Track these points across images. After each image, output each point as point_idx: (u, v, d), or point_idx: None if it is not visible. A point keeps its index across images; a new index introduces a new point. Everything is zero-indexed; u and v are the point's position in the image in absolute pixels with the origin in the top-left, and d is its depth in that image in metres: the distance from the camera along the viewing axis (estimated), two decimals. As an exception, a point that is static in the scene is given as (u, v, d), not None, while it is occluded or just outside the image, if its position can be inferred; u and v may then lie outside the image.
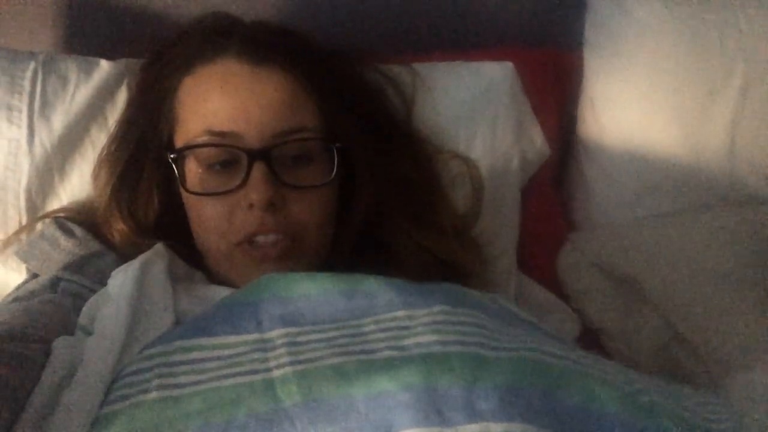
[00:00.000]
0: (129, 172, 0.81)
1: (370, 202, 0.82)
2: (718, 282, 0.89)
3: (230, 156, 0.73)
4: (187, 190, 0.75)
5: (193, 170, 0.75)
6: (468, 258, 0.85)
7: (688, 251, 0.93)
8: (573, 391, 0.54)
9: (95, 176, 0.86)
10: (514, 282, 0.96)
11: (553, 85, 1.08)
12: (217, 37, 0.78)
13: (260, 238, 0.73)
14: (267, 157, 0.72)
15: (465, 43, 1.10)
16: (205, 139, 0.74)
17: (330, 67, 0.82)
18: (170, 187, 0.79)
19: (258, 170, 0.72)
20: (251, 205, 0.72)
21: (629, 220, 1.02)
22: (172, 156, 0.76)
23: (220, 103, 0.74)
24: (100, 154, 0.86)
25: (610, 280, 0.97)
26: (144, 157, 0.80)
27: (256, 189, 0.71)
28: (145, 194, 0.80)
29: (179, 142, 0.77)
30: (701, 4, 1.00)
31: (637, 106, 1.00)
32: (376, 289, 0.63)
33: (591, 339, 0.95)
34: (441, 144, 0.93)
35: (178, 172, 0.76)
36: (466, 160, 0.93)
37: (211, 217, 0.74)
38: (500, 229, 0.96)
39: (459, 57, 1.00)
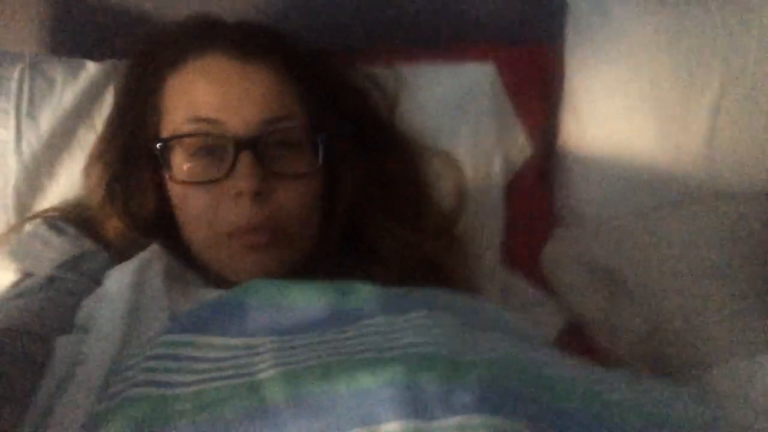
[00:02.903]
0: (121, 169, 0.81)
1: (352, 195, 0.82)
2: (699, 275, 0.90)
3: (215, 143, 0.74)
4: (173, 180, 0.76)
5: (179, 160, 0.76)
6: (451, 256, 0.86)
7: (670, 246, 0.95)
8: (543, 389, 0.55)
9: (86, 174, 0.86)
10: (499, 278, 0.97)
11: (537, 82, 1.08)
12: (204, 34, 0.79)
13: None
14: (254, 146, 0.72)
15: (447, 40, 1.11)
16: (190, 127, 0.74)
17: (313, 62, 0.84)
18: (164, 182, 0.79)
19: (246, 159, 0.72)
20: (238, 194, 0.72)
21: (612, 216, 1.03)
22: (157, 145, 0.76)
23: (205, 92, 0.75)
24: (90, 153, 0.86)
25: (594, 274, 0.98)
26: (135, 153, 0.81)
27: (245, 178, 0.72)
28: (139, 190, 0.80)
29: (165, 133, 0.77)
30: (679, 5, 1.02)
31: (617, 105, 1.01)
32: (360, 301, 0.64)
33: (575, 332, 0.97)
34: (424, 143, 0.94)
35: (163, 162, 0.76)
36: (449, 159, 0.94)
37: (197, 207, 0.75)
38: (484, 227, 0.96)
39: (441, 54, 1.01)
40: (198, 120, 0.74)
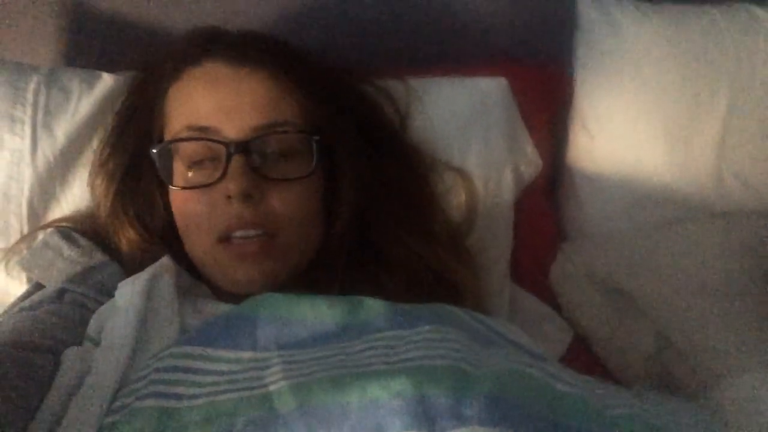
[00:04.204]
0: (129, 178, 0.82)
1: (355, 201, 0.82)
2: (706, 292, 0.90)
3: (211, 151, 0.74)
4: (170, 185, 0.76)
5: (178, 168, 0.76)
6: (460, 269, 0.86)
7: (678, 262, 0.95)
8: (549, 404, 0.55)
9: (91, 185, 0.86)
10: (507, 292, 0.97)
11: (546, 100, 1.10)
12: (203, 43, 0.80)
13: (239, 234, 0.73)
14: (245, 150, 0.73)
15: (459, 58, 1.12)
16: (185, 134, 0.75)
17: (315, 70, 0.84)
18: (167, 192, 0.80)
19: (236, 162, 0.72)
20: (229, 197, 0.72)
21: (620, 231, 1.03)
22: (153, 151, 0.77)
23: (201, 100, 0.75)
24: (93, 164, 0.86)
25: (602, 290, 0.98)
26: (141, 163, 0.81)
27: (234, 180, 0.72)
28: (148, 199, 0.81)
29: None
30: (688, 23, 1.02)
31: (626, 121, 1.02)
32: (369, 316, 0.64)
33: (583, 348, 0.97)
34: (435, 156, 0.95)
35: (160, 169, 0.77)
36: (460, 172, 0.94)
37: (193, 213, 0.75)
38: (493, 241, 0.96)
39: (453, 72, 1.02)
40: (194, 128, 0.75)
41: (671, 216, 1.01)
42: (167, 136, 0.78)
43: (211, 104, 0.75)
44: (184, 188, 0.75)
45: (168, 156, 0.77)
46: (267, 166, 0.74)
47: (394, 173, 0.88)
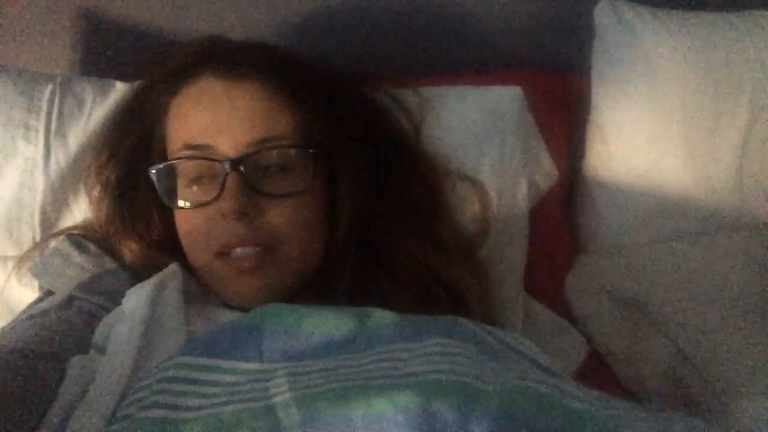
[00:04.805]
0: (126, 189, 0.82)
1: (353, 211, 0.81)
2: (725, 306, 0.88)
3: (208, 170, 0.74)
4: (167, 205, 0.76)
5: (180, 184, 0.76)
6: (471, 281, 0.85)
7: (696, 275, 0.93)
8: (558, 421, 0.54)
9: (88, 194, 0.87)
10: (521, 304, 0.95)
11: (562, 109, 1.09)
12: (196, 58, 0.80)
13: (237, 251, 0.73)
14: (240, 166, 0.72)
15: (473, 67, 1.11)
16: (182, 153, 0.75)
17: (313, 78, 0.83)
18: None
19: (232, 180, 0.72)
20: (224, 215, 0.72)
21: (637, 243, 1.02)
22: (153, 172, 0.77)
23: (195, 118, 0.75)
24: (89, 172, 0.87)
25: (618, 303, 0.97)
26: (137, 177, 0.81)
27: (228, 198, 0.71)
28: (144, 214, 0.81)
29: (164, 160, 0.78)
30: (708, 30, 1.01)
31: (644, 131, 1.01)
32: (377, 328, 0.64)
33: (598, 362, 0.95)
34: (449, 167, 0.94)
35: (158, 188, 0.77)
36: (474, 183, 0.93)
37: (193, 230, 0.75)
38: (508, 252, 0.95)
39: (467, 81, 1.01)
40: (190, 146, 0.75)
41: (690, 228, 0.99)
42: (169, 154, 0.78)
43: (205, 122, 0.75)
44: (180, 208, 0.76)
45: (169, 175, 0.77)
46: (264, 181, 0.74)
47: (403, 182, 0.87)
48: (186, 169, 0.75)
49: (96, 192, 0.85)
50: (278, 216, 0.74)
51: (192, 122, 0.76)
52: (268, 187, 0.74)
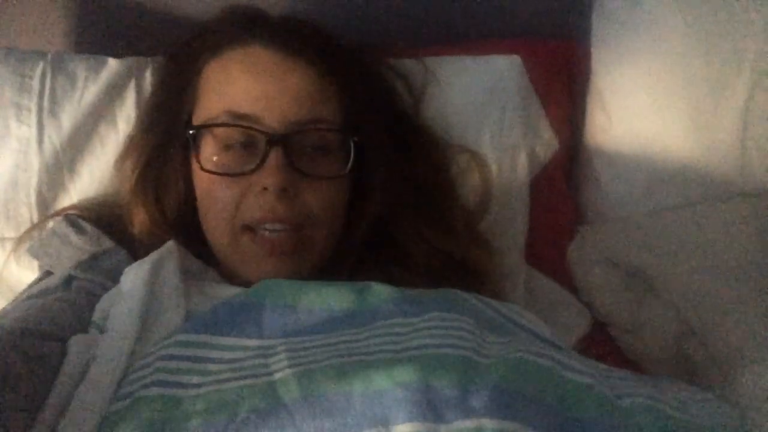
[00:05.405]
0: (156, 158, 0.81)
1: (384, 200, 0.81)
2: (728, 275, 0.88)
3: (248, 138, 0.74)
4: (202, 168, 0.75)
5: (209, 150, 0.75)
6: (478, 255, 0.85)
7: (699, 244, 0.93)
8: (558, 395, 0.55)
9: (118, 166, 0.86)
10: (522, 276, 0.95)
11: (563, 77, 1.07)
12: (245, 25, 0.79)
13: (267, 226, 0.73)
14: (285, 143, 0.72)
15: (474, 34, 1.10)
16: (225, 119, 0.74)
17: (354, 63, 0.83)
18: (191, 172, 0.79)
19: (275, 155, 0.72)
20: (265, 189, 0.72)
21: (639, 213, 1.01)
22: (190, 132, 0.76)
23: (243, 85, 0.74)
24: (124, 143, 0.87)
25: (621, 273, 0.96)
26: (170, 143, 0.80)
27: (272, 173, 0.71)
28: (169, 180, 0.80)
29: (198, 120, 0.77)
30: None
31: (646, 99, 0.99)
32: (377, 303, 0.64)
33: (601, 332, 0.95)
34: (449, 138, 0.93)
35: (194, 149, 0.76)
36: (475, 155, 0.93)
37: (222, 199, 0.74)
38: (509, 223, 0.95)
39: (468, 49, 1.00)
40: (233, 114, 0.74)
41: (693, 196, 0.99)
42: (200, 116, 0.77)
43: (254, 92, 0.74)
44: (219, 174, 0.74)
45: (205, 138, 0.76)
46: (303, 161, 0.74)
47: (416, 165, 0.86)
48: (223, 134, 0.74)
49: (128, 165, 0.83)
50: (314, 197, 0.74)
51: (239, 89, 0.74)
52: (308, 168, 0.74)
